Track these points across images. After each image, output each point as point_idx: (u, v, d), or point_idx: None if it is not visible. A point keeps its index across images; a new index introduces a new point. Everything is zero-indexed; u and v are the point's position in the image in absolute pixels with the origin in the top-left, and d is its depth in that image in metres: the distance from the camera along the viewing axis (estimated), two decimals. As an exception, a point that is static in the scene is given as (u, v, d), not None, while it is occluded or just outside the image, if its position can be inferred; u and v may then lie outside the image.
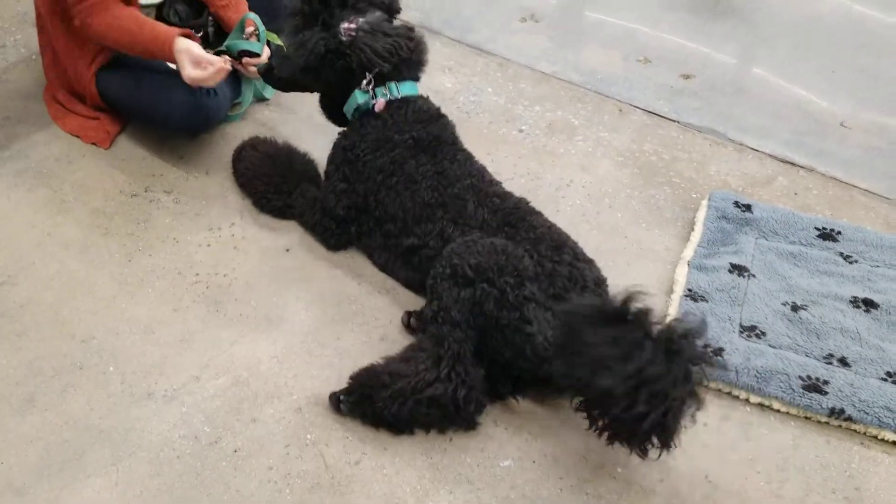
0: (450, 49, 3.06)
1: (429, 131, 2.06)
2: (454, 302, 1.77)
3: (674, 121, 2.77)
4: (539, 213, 2.01)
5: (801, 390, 1.87)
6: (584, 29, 3.29)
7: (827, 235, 2.27)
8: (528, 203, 2.04)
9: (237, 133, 2.51)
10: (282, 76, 2.16)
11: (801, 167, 2.60)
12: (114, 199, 2.29)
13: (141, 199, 2.30)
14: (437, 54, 3.00)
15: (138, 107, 2.38)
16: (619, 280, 2.14)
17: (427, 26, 3.17)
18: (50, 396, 1.80)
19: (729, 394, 1.91)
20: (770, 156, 2.64)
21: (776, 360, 1.92)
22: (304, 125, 2.60)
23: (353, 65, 2.01)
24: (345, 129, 2.17)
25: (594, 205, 2.41)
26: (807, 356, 1.95)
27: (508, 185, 2.40)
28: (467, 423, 1.79)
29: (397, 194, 2.03)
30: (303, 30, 2.04)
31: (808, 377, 1.89)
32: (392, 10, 2.13)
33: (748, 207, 2.33)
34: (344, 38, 1.99)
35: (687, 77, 3.01)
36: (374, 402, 1.75)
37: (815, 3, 3.58)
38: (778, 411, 1.88)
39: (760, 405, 1.90)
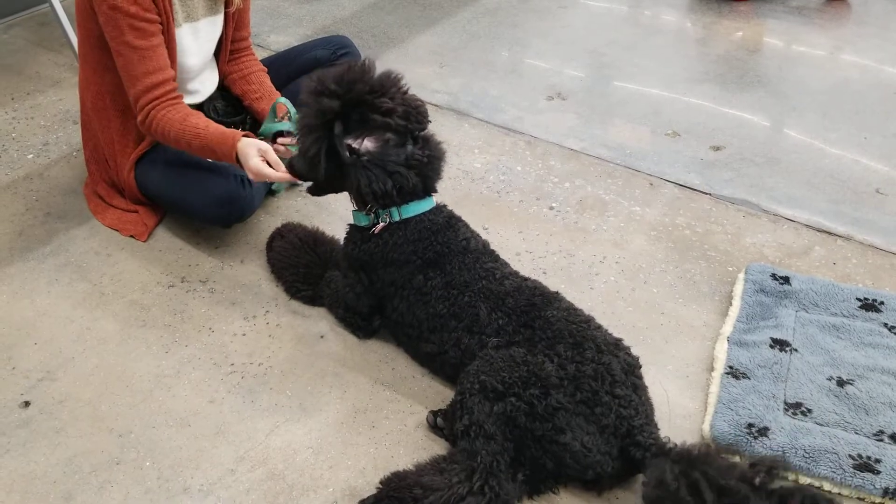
0: (478, 130, 3.10)
1: (434, 248, 1.99)
2: (486, 416, 1.71)
3: (706, 193, 2.76)
4: (554, 300, 1.91)
5: (851, 470, 1.80)
6: (610, 105, 3.32)
7: (869, 306, 2.21)
8: (542, 292, 1.94)
9: (271, 221, 2.55)
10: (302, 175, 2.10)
11: (839, 236, 2.56)
12: (151, 290, 2.33)
13: (177, 290, 2.33)
14: (465, 135, 3.06)
15: (175, 199, 2.44)
16: (657, 358, 2.12)
17: (455, 108, 3.23)
18: (87, 494, 1.79)
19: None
20: (806, 225, 2.61)
21: (824, 438, 1.86)
22: (338, 208, 2.63)
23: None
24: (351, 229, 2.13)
25: (629, 281, 2.39)
26: (856, 433, 1.88)
27: (541, 264, 2.42)
28: None
29: (410, 305, 2.00)
30: (310, 130, 1.95)
31: (859, 456, 1.82)
32: (412, 130, 1.97)
33: (786, 279, 2.30)
34: (347, 156, 1.92)
35: (717, 149, 3.01)
36: None
37: (843, 69, 3.59)
38: (829, 492, 1.81)
39: (810, 486, 1.82)
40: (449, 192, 2.72)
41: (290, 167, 2.11)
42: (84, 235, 2.52)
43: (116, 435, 1.92)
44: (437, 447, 1.90)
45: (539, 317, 1.85)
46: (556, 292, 1.96)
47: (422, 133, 2.00)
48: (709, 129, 3.14)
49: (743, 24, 4.01)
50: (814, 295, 2.25)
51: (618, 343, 1.83)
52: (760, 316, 2.19)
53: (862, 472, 1.79)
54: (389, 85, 1.93)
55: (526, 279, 1.99)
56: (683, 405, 2.00)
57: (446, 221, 2.04)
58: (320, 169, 1.95)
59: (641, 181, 2.82)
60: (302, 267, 2.28)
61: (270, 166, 2.16)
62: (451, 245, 2.00)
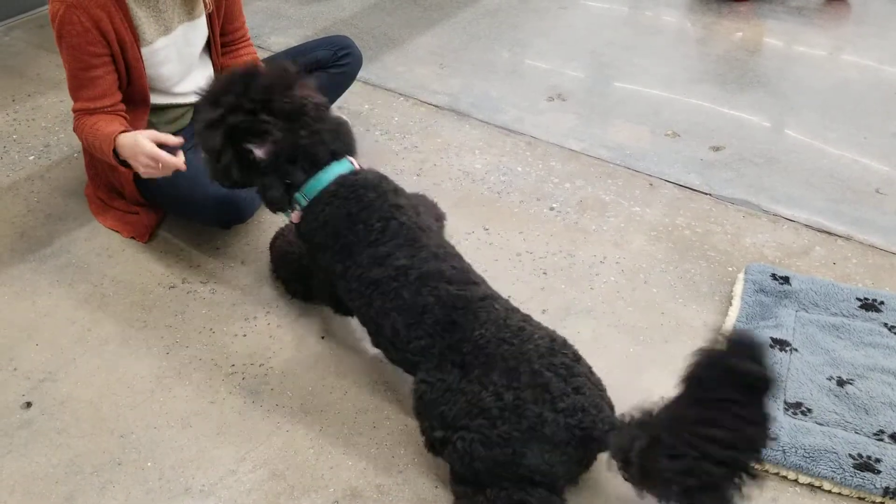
0: (478, 130, 3.11)
1: (343, 234, 1.90)
2: (458, 464, 1.70)
3: (706, 193, 2.76)
4: (480, 311, 1.76)
5: (852, 469, 1.80)
6: (610, 106, 3.33)
7: (869, 306, 2.22)
8: (464, 303, 1.78)
9: (272, 222, 2.55)
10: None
11: (839, 236, 2.56)
12: (152, 291, 2.33)
13: (178, 291, 2.34)
14: (465, 136, 3.06)
15: (174, 200, 2.44)
16: (657, 358, 2.13)
17: (455, 109, 3.23)
18: (89, 494, 1.80)
19: (777, 474, 1.85)
20: (805, 225, 2.61)
21: (824, 437, 1.86)
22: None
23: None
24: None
25: (629, 281, 2.39)
26: (856, 433, 1.88)
27: (541, 264, 2.43)
28: None
29: (347, 293, 1.95)
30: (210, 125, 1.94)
31: (859, 455, 1.82)
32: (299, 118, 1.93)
33: (786, 279, 2.30)
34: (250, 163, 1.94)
35: (717, 149, 3.01)
36: None
37: (843, 69, 3.60)
38: (829, 492, 1.81)
39: (810, 486, 1.83)
40: (450, 193, 2.72)
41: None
42: (85, 237, 2.52)
43: (118, 435, 1.93)
44: (437, 447, 1.90)
45: (466, 340, 1.73)
46: (482, 294, 1.81)
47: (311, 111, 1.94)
48: (708, 129, 3.14)
49: (743, 24, 4.02)
50: (814, 295, 2.25)
51: (552, 347, 1.71)
52: (760, 316, 2.20)
53: (862, 471, 1.79)
54: (277, 87, 1.92)
55: (449, 281, 1.81)
56: (684, 405, 2.01)
57: (356, 197, 1.91)
58: (232, 176, 1.96)
59: (641, 181, 2.83)
60: (296, 262, 2.27)
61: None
62: (359, 232, 1.88)
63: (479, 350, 1.71)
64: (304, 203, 1.96)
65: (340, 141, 1.98)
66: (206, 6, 2.43)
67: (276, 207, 2.01)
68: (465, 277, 1.85)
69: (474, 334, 1.72)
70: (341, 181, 1.94)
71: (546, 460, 1.64)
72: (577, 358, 1.75)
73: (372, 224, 1.87)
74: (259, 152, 1.92)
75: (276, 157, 1.93)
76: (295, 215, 1.99)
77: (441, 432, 1.72)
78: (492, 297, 1.82)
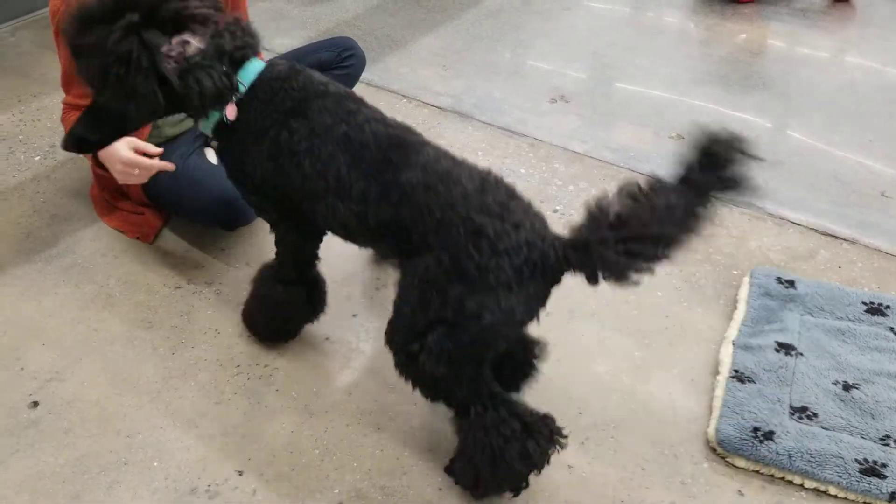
0: (481, 132, 3.11)
1: (291, 95, 1.76)
2: (443, 363, 1.62)
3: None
4: (412, 153, 1.68)
5: (858, 474, 1.80)
6: (613, 107, 3.33)
7: (875, 310, 2.22)
8: (400, 142, 1.70)
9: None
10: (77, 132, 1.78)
11: (844, 239, 2.56)
12: (157, 292, 2.34)
13: (184, 292, 2.34)
14: (468, 138, 3.06)
15: (178, 201, 2.44)
16: (662, 361, 2.13)
17: (458, 110, 3.23)
18: (96, 494, 1.80)
19: (783, 479, 1.85)
20: (811, 228, 2.61)
21: (830, 442, 1.86)
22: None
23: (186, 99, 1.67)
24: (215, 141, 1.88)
25: (633, 284, 2.39)
26: (862, 438, 1.89)
27: (546, 267, 2.43)
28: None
29: (289, 177, 1.78)
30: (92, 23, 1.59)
31: (865, 460, 1.83)
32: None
33: (792, 283, 2.30)
34: (168, 67, 1.62)
35: (721, 151, 3.01)
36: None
37: (848, 72, 3.60)
38: (835, 497, 1.81)
39: (816, 490, 1.83)
40: (454, 195, 2.72)
41: (78, 134, 1.79)
42: (90, 237, 2.53)
43: (124, 435, 1.93)
44: (442, 450, 1.90)
45: (395, 183, 1.64)
46: (418, 140, 1.74)
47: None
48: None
49: (746, 25, 4.02)
50: (819, 299, 2.25)
51: (483, 187, 1.61)
52: (766, 320, 2.20)
53: (868, 476, 1.80)
54: None
55: (391, 125, 1.75)
56: (689, 409, 2.01)
57: (291, 69, 1.81)
58: (148, 99, 1.63)
59: (646, 184, 2.82)
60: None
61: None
62: (308, 88, 1.77)
63: (408, 198, 1.63)
64: (244, 89, 1.76)
65: (252, 37, 1.80)
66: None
67: (212, 101, 1.70)
68: (405, 126, 1.79)
69: (402, 177, 1.64)
70: (267, 74, 1.79)
71: (504, 310, 1.55)
72: (512, 193, 1.64)
73: (315, 82, 1.79)
74: (195, 43, 1.66)
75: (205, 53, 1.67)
76: (230, 109, 1.76)
77: (416, 343, 1.64)
78: (427, 143, 1.75)
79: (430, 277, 1.59)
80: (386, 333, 1.73)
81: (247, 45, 1.75)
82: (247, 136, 1.79)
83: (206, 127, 1.83)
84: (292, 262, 2.04)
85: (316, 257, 2.08)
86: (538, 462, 1.71)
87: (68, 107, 2.39)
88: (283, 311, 2.10)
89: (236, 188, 1.96)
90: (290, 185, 1.78)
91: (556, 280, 1.62)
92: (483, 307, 1.54)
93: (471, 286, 1.54)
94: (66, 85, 2.39)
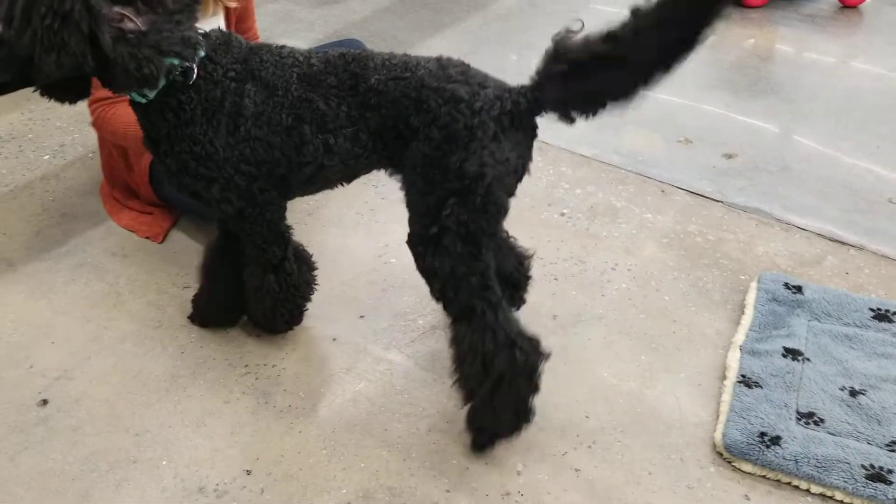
0: (491, 135, 3.11)
1: (239, 60, 1.78)
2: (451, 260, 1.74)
3: (718, 201, 2.77)
4: (366, 59, 1.77)
5: (864, 480, 1.81)
6: (622, 111, 3.33)
7: (882, 316, 2.22)
8: (352, 56, 1.79)
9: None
10: None
11: (851, 246, 2.57)
12: (167, 291, 2.35)
13: (193, 291, 2.34)
14: (478, 140, 3.07)
15: (189, 201, 2.45)
16: (669, 365, 2.13)
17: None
18: (105, 491, 1.81)
19: (789, 484, 1.85)
20: (818, 234, 2.61)
21: (836, 448, 1.87)
22: (345, 207, 2.66)
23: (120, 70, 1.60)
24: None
25: (640, 288, 2.40)
26: (868, 444, 1.89)
27: (552, 270, 2.44)
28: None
29: (264, 144, 1.80)
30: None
31: (871, 466, 1.83)
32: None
33: (799, 289, 2.30)
34: (109, 39, 1.54)
35: (729, 156, 3.02)
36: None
37: (856, 77, 3.60)
38: (841, 502, 1.81)
39: (822, 496, 1.83)
40: (462, 197, 2.73)
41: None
42: (100, 236, 2.54)
43: (133, 434, 1.94)
44: (449, 451, 1.91)
45: (368, 89, 1.75)
46: (361, 50, 1.85)
47: None
48: (721, 136, 3.15)
49: (755, 30, 4.02)
50: (826, 305, 2.26)
51: (441, 63, 1.77)
52: (773, 325, 2.20)
53: (874, 482, 1.80)
54: None
55: (328, 51, 1.84)
56: (695, 413, 2.01)
57: (228, 35, 1.82)
58: (77, 58, 1.54)
59: (653, 188, 2.83)
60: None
61: None
62: (243, 48, 1.81)
63: (383, 95, 1.74)
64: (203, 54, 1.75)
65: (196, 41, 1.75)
66: (228, 6, 2.45)
67: (137, 81, 1.63)
68: (335, 48, 1.88)
69: (372, 81, 1.75)
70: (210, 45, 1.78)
71: (499, 161, 1.68)
72: (468, 65, 1.80)
73: (243, 45, 1.81)
74: (133, 23, 1.58)
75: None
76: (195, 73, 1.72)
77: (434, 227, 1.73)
78: (372, 52, 1.83)
79: (427, 158, 1.71)
80: (408, 236, 1.82)
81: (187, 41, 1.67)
82: (196, 118, 1.76)
83: (140, 97, 1.75)
84: (278, 240, 2.00)
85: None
86: (525, 372, 1.81)
87: (101, 104, 2.36)
88: (282, 299, 2.08)
89: (184, 194, 1.93)
90: (267, 149, 1.80)
91: (533, 126, 1.77)
92: (482, 165, 1.67)
93: (465, 148, 1.67)
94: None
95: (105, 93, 2.28)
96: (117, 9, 1.56)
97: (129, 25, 1.57)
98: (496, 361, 1.76)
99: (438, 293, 1.81)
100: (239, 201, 1.87)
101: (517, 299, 2.21)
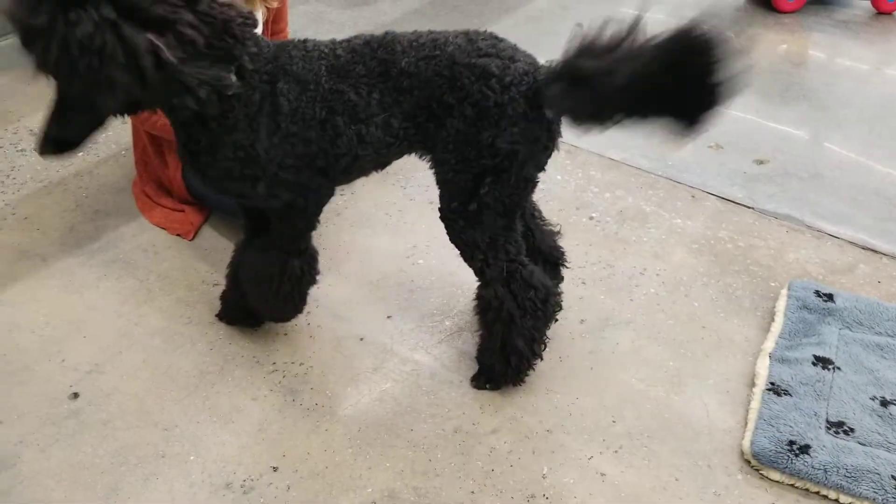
0: (520, 138, 3.11)
1: (268, 60, 1.77)
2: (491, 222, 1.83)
3: (749, 207, 2.75)
4: (392, 42, 1.77)
5: (894, 490, 1.78)
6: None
7: (915, 326, 2.19)
8: (377, 42, 1.79)
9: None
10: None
11: (884, 254, 2.53)
12: (197, 288, 2.37)
13: (222, 288, 2.35)
14: (507, 143, 3.07)
15: (220, 198, 2.47)
16: (697, 371, 2.12)
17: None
18: (133, 486, 1.83)
19: (818, 493, 1.83)
20: (850, 242, 2.58)
21: (866, 458, 1.84)
22: (374, 207, 2.67)
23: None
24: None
25: (669, 294, 2.38)
26: (900, 454, 1.87)
27: (580, 274, 2.43)
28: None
29: (304, 141, 1.79)
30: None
31: (903, 477, 1.81)
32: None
33: (830, 297, 2.28)
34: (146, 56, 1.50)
35: (760, 162, 2.99)
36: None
37: (890, 84, 3.56)
38: (871, 513, 1.80)
39: (852, 506, 1.82)
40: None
41: (54, 135, 1.64)
42: (132, 233, 2.57)
43: (162, 428, 1.96)
44: (475, 452, 1.91)
45: (401, 73, 1.75)
46: (387, 33, 1.83)
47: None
48: (752, 142, 3.12)
49: (787, 36, 3.99)
50: (858, 313, 2.23)
51: (470, 38, 1.78)
52: (803, 333, 2.18)
53: (905, 493, 1.78)
54: None
55: (350, 40, 1.83)
56: (723, 420, 2.00)
57: (255, 39, 1.78)
58: (126, 89, 1.51)
59: (683, 193, 2.82)
60: None
61: None
62: (269, 46, 1.79)
63: (416, 76, 1.74)
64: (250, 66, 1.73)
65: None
66: (268, 7, 2.47)
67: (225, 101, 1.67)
68: (359, 36, 1.86)
69: (402, 64, 1.75)
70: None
71: (529, 139, 1.74)
72: (496, 37, 1.81)
73: (280, 60, 1.79)
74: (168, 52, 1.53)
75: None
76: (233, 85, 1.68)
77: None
78: (397, 35, 1.84)
79: (461, 135, 1.74)
80: (440, 210, 1.89)
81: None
82: (239, 124, 1.75)
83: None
84: (311, 228, 2.02)
85: None
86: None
87: None
88: (301, 284, 2.08)
89: (227, 196, 1.96)
90: (306, 144, 1.79)
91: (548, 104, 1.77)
92: (513, 142, 1.72)
93: (496, 125, 1.71)
94: None
95: None
96: (150, 36, 1.49)
97: (165, 55, 1.52)
98: (546, 306, 1.95)
99: (475, 261, 1.91)
100: (287, 194, 1.87)
101: (558, 275, 2.27)
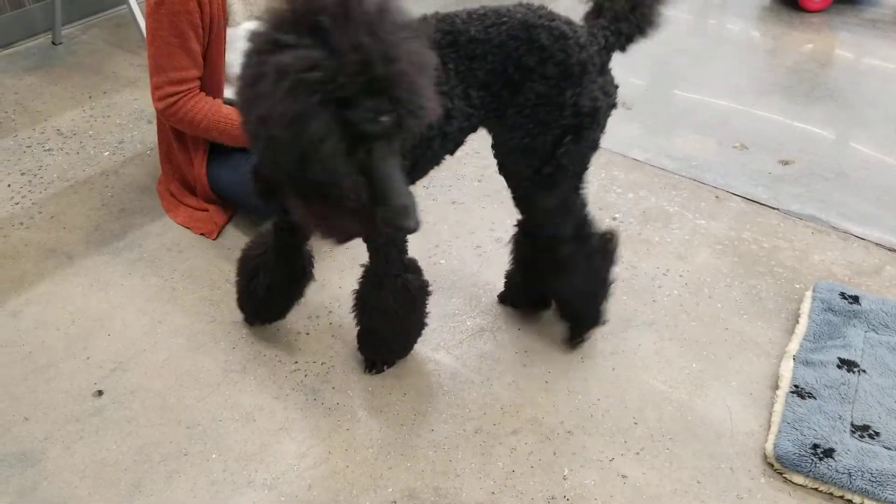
0: (542, 138, 3.10)
1: None
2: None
3: (773, 208, 2.72)
4: (454, 17, 1.72)
5: (921, 496, 1.76)
6: (675, 115, 3.30)
7: (943, 329, 2.16)
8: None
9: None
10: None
11: (911, 256, 2.50)
12: (220, 287, 2.39)
13: (245, 288, 2.38)
14: (529, 143, 3.06)
15: (245, 197, 2.49)
16: (720, 373, 2.10)
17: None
18: (156, 483, 1.85)
19: (842, 497, 1.81)
20: (876, 244, 2.55)
21: (892, 462, 1.82)
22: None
23: None
24: None
25: (693, 295, 2.36)
26: (927, 459, 1.84)
27: (603, 275, 2.41)
28: None
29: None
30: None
31: (930, 482, 1.78)
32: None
33: (856, 299, 2.25)
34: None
35: (785, 163, 2.96)
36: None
37: (918, 85, 3.51)
38: (897, 518, 1.78)
39: (877, 511, 1.79)
40: (511, 200, 2.72)
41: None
42: (157, 232, 2.59)
43: (185, 426, 1.98)
44: (496, 453, 1.91)
45: (472, 41, 1.70)
46: (442, 12, 1.75)
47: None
48: (777, 142, 3.09)
49: (814, 35, 3.94)
50: (884, 316, 2.20)
51: (526, 6, 1.78)
52: (828, 335, 2.15)
53: (932, 498, 1.75)
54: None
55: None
56: (746, 423, 1.98)
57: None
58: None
59: (707, 194, 2.80)
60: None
61: None
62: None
63: (492, 45, 1.71)
64: None
65: None
66: None
67: None
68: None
69: (471, 32, 1.70)
70: None
71: (607, 93, 1.80)
72: (548, 8, 1.81)
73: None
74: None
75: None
76: None
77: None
78: (448, 13, 1.75)
79: (541, 97, 1.74)
80: (509, 180, 1.95)
81: None
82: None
83: None
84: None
85: None
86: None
87: (181, 95, 2.31)
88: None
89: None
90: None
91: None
92: (595, 99, 1.75)
93: (579, 84, 1.73)
94: (165, 60, 2.27)
95: (178, 86, 2.32)
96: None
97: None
98: (611, 247, 2.06)
99: (545, 223, 1.98)
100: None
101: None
